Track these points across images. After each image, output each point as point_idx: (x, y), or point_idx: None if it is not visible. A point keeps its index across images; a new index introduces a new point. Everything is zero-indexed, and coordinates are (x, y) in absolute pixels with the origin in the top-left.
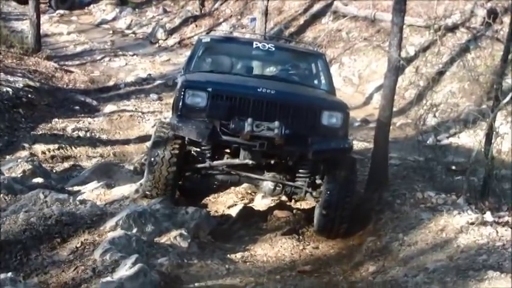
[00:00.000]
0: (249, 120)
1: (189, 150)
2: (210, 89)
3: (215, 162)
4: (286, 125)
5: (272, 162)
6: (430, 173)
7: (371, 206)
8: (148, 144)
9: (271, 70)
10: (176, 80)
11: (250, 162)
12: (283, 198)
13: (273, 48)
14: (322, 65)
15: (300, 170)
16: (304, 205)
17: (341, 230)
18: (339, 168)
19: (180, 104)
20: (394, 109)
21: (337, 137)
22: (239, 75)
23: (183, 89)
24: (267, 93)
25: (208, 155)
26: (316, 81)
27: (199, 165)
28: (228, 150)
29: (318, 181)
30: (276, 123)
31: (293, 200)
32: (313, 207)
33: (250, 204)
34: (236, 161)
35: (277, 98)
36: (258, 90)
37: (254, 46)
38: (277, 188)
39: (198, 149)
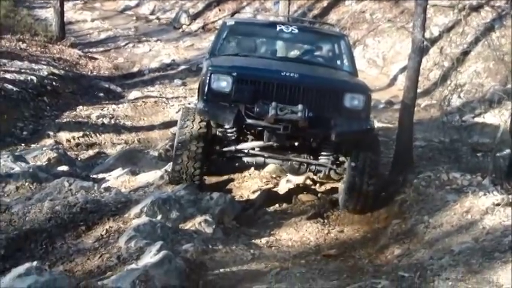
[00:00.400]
0: (273, 104)
1: (214, 133)
2: (235, 74)
3: (240, 145)
4: (310, 107)
5: (296, 143)
6: (455, 154)
7: (396, 188)
8: (173, 129)
9: (294, 52)
10: (201, 64)
11: (274, 144)
12: (308, 182)
13: (296, 30)
14: (345, 46)
15: (324, 150)
16: (329, 187)
17: (366, 205)
18: (361, 146)
19: (206, 88)
20: (419, 90)
21: (360, 118)
22: (263, 58)
23: (209, 74)
24: (291, 76)
25: (234, 138)
26: (338, 63)
27: (225, 149)
28: (252, 132)
29: (342, 158)
30: (300, 106)
31: (318, 184)
32: (337, 190)
33: (275, 189)
34: (261, 143)
35: (300, 81)
36: (282, 74)
37: (278, 29)
38: (302, 166)
39: (224, 132)
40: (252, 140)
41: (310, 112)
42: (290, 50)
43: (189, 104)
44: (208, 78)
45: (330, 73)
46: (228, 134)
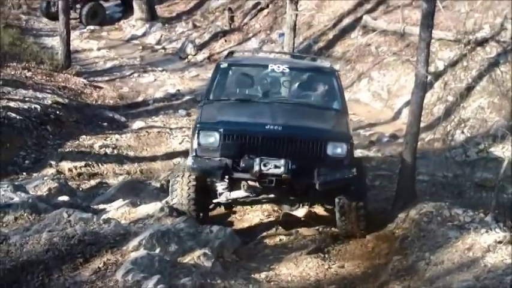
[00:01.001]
0: (257, 160)
1: (207, 185)
2: (221, 130)
3: (233, 195)
4: (293, 159)
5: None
6: (458, 189)
7: (397, 224)
8: (176, 161)
9: (285, 91)
10: (198, 101)
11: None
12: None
13: (287, 70)
14: (335, 82)
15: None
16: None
17: (360, 230)
18: (345, 192)
19: (196, 144)
20: (423, 124)
21: (342, 166)
22: (254, 104)
23: (197, 130)
24: (274, 130)
25: (226, 186)
26: (328, 100)
27: (219, 200)
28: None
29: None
30: (282, 161)
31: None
32: None
33: (275, 222)
34: (249, 194)
35: (284, 134)
36: (266, 127)
37: (269, 69)
38: (295, 204)
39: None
40: (244, 186)
41: (293, 164)
42: (281, 89)
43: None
44: (197, 134)
45: (315, 119)
46: (220, 184)
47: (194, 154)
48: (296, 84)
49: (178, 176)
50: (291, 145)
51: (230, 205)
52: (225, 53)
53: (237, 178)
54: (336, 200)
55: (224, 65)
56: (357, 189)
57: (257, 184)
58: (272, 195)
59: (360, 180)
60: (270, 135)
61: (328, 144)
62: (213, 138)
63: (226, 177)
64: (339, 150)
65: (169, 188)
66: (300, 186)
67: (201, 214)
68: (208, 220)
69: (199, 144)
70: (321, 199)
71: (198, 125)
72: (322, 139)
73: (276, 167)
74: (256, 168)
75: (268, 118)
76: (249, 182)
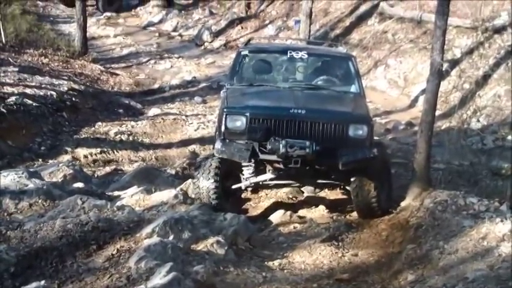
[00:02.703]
0: (283, 141)
1: (232, 169)
2: (247, 114)
3: (258, 178)
4: (317, 141)
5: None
6: (474, 177)
7: (412, 213)
8: (191, 147)
9: (305, 75)
10: (222, 82)
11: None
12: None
13: (306, 56)
14: (352, 66)
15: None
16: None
17: (378, 213)
18: (364, 173)
19: (223, 128)
20: (439, 112)
21: (363, 147)
22: (275, 89)
23: (225, 115)
24: (298, 113)
25: (252, 171)
26: (346, 85)
27: (244, 184)
28: (269, 162)
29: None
30: (307, 142)
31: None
32: (357, 218)
33: (290, 210)
34: (275, 175)
35: (307, 117)
36: (290, 111)
37: (288, 55)
38: (318, 187)
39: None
40: (269, 170)
41: (317, 146)
42: (301, 74)
43: (208, 121)
44: (224, 118)
45: (336, 102)
46: (246, 168)
47: (222, 137)
48: (314, 70)
49: (205, 160)
50: (314, 128)
51: (256, 189)
52: (242, 40)
53: (262, 160)
54: (352, 179)
55: (245, 51)
56: (376, 169)
57: (281, 166)
58: (294, 182)
59: (379, 162)
60: (295, 119)
61: (350, 126)
62: (239, 122)
63: (252, 160)
64: (360, 132)
65: (195, 172)
66: (323, 167)
67: (225, 199)
68: (231, 207)
69: (226, 127)
70: (342, 180)
71: (225, 110)
72: (344, 122)
73: (301, 148)
74: (282, 149)
75: (291, 102)
76: (274, 164)
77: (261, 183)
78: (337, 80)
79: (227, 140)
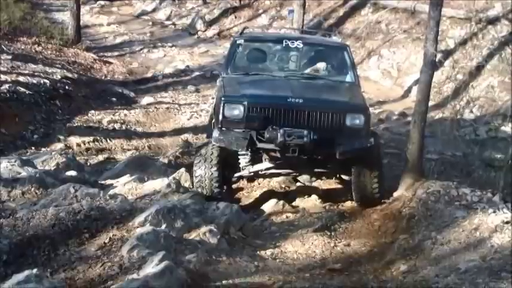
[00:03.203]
0: (281, 130)
1: (229, 158)
2: (245, 102)
3: (255, 167)
4: (314, 130)
5: (305, 158)
6: (467, 168)
7: (404, 203)
8: (184, 136)
9: (300, 66)
10: (215, 71)
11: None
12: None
13: (301, 45)
14: (347, 56)
15: (331, 162)
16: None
17: (376, 200)
18: (362, 162)
19: (220, 116)
20: (432, 103)
21: (360, 136)
22: (271, 79)
23: (222, 103)
24: (296, 102)
25: (248, 160)
26: (342, 74)
27: (242, 173)
28: (266, 152)
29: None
30: (305, 131)
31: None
32: (350, 208)
33: (283, 200)
34: (272, 165)
35: (305, 106)
36: (288, 100)
37: (284, 44)
38: (314, 176)
39: (238, 156)
40: (265, 159)
41: (315, 135)
42: (296, 63)
43: (201, 110)
44: (222, 107)
45: (332, 92)
46: (243, 158)
47: (219, 126)
48: (310, 59)
49: (203, 148)
50: (312, 117)
51: (252, 178)
52: (235, 29)
53: (260, 149)
54: (353, 169)
55: (240, 40)
56: (373, 158)
57: (278, 155)
58: (291, 171)
59: (376, 150)
60: (292, 108)
61: (347, 115)
62: (237, 110)
63: (249, 149)
64: (357, 121)
65: (195, 160)
66: (320, 156)
67: (223, 188)
68: (228, 196)
69: (224, 116)
70: (338, 169)
71: (222, 98)
72: (341, 111)
73: (299, 137)
74: (280, 138)
75: (288, 91)
76: (271, 153)
77: (260, 172)
78: (332, 70)
79: (224, 129)
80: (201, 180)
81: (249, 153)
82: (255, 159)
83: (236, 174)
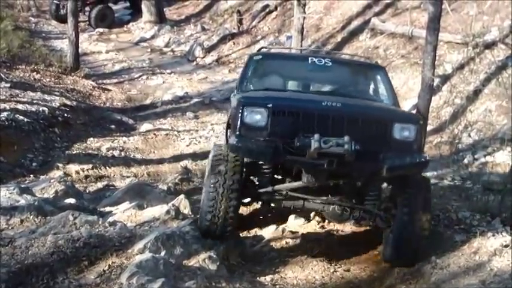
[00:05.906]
0: (316, 136)
1: (248, 175)
2: (270, 105)
3: (278, 186)
4: (356, 140)
5: (339, 183)
6: (466, 192)
7: None
8: (183, 163)
9: (329, 86)
10: (214, 98)
11: (316, 184)
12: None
13: (330, 63)
14: (384, 78)
15: (369, 192)
16: (338, 227)
17: (415, 259)
18: (413, 187)
19: (239, 122)
20: (431, 127)
21: (411, 151)
22: (297, 92)
23: (241, 107)
24: (333, 106)
25: (268, 178)
26: (378, 95)
27: (262, 190)
28: (289, 173)
29: (389, 204)
30: (346, 138)
31: (326, 221)
32: (350, 233)
33: (283, 225)
34: (301, 183)
35: (344, 111)
36: (323, 103)
37: (310, 61)
38: (345, 212)
39: (258, 173)
40: (289, 182)
41: (357, 145)
42: (325, 84)
43: (200, 137)
44: (240, 111)
45: (373, 104)
46: (264, 174)
47: (238, 133)
48: (341, 79)
49: (220, 158)
50: (353, 125)
51: (268, 201)
52: (234, 55)
53: (288, 162)
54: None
55: (257, 56)
56: (426, 192)
57: (309, 176)
58: (318, 199)
59: (427, 186)
60: (329, 113)
61: (395, 125)
62: (259, 115)
63: (274, 161)
64: (406, 133)
65: (207, 180)
66: (363, 173)
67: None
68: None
69: (243, 122)
70: (381, 202)
71: (241, 100)
72: (388, 119)
73: (338, 144)
74: (315, 145)
75: (321, 98)
76: (299, 168)
77: (281, 194)
78: (367, 91)
79: (243, 137)
80: (213, 207)
81: (271, 169)
82: (274, 178)
83: (264, 194)
